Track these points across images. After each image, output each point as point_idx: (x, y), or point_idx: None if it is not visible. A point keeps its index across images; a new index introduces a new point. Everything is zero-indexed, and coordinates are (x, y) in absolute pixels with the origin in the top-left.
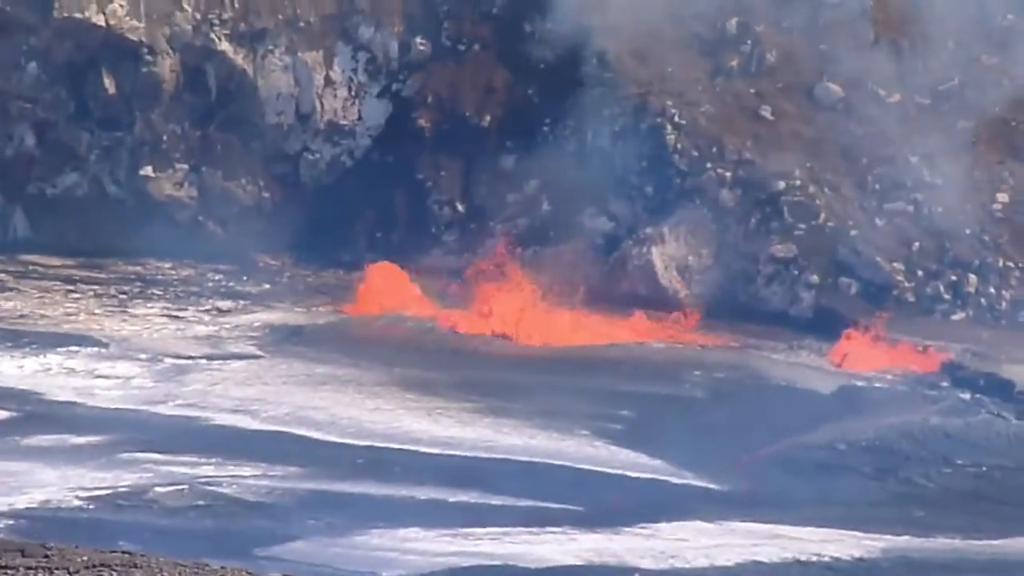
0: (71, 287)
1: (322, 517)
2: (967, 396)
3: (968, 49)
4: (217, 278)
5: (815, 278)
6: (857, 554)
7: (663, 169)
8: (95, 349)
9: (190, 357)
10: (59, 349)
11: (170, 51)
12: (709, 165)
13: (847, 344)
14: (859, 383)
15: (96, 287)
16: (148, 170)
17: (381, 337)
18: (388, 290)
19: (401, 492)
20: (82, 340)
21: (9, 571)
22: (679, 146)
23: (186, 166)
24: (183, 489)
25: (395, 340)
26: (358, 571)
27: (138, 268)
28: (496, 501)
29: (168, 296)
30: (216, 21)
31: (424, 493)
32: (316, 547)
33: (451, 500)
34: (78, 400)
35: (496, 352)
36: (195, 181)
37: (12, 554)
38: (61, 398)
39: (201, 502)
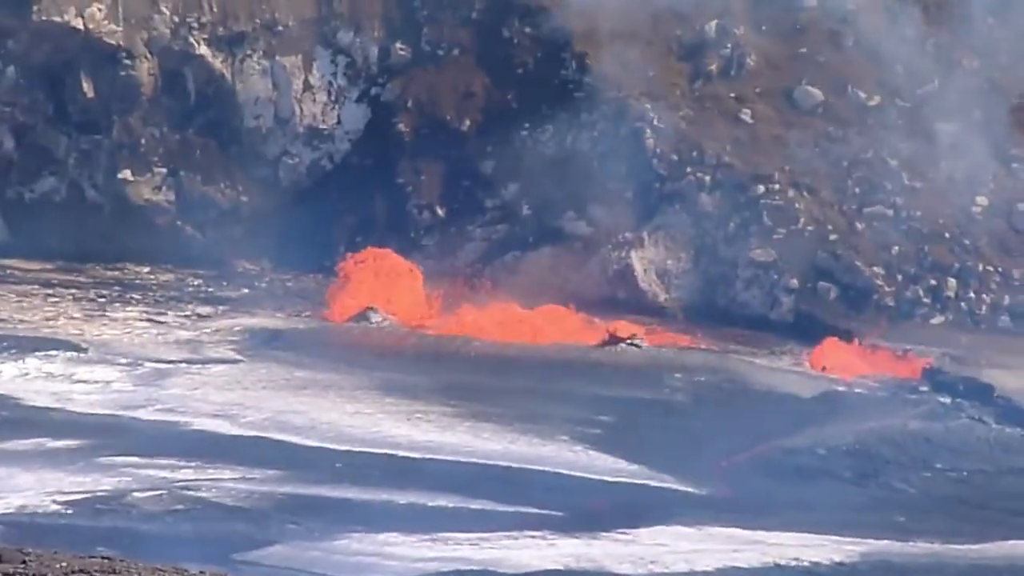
0: (50, 291)
1: (301, 521)
2: (947, 400)
3: (949, 52)
4: (196, 282)
5: (794, 282)
6: (837, 559)
7: (642, 173)
8: (74, 353)
9: (169, 361)
10: (38, 353)
11: (148, 55)
12: (688, 169)
13: (826, 349)
14: (839, 388)
15: (75, 291)
16: (126, 174)
17: (361, 341)
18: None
19: (380, 496)
20: (61, 344)
21: None
22: (658, 150)
23: (164, 170)
24: (162, 494)
25: (375, 344)
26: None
27: (117, 272)
28: (475, 506)
29: (147, 300)
30: (195, 25)
31: (403, 497)
32: (295, 551)
33: (430, 505)
34: (56, 405)
35: (477, 356)
36: (173, 185)
37: None
38: (39, 403)
39: (180, 507)
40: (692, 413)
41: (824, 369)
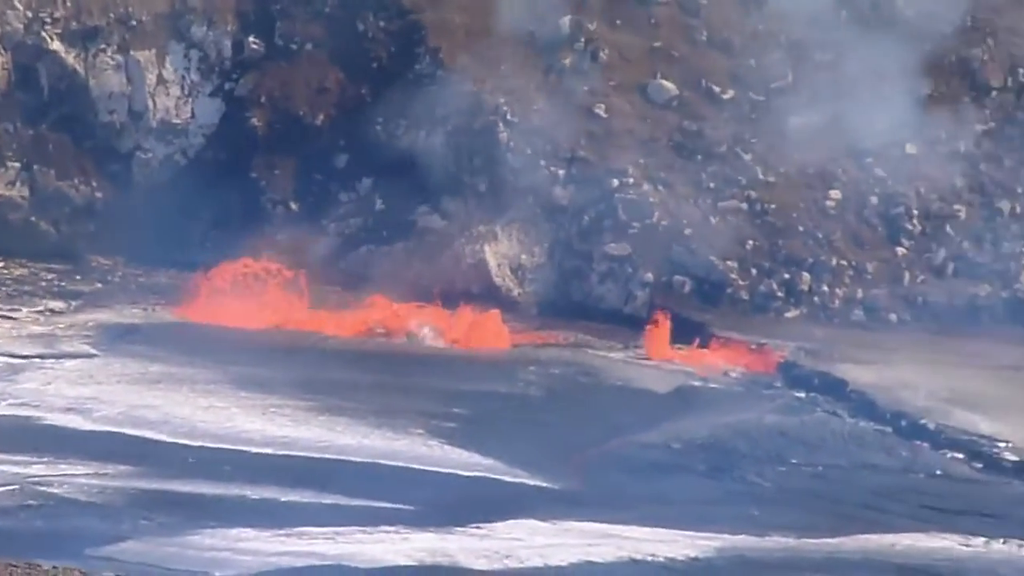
0: None
1: (154, 517)
2: (802, 395)
3: (801, 46)
4: (50, 277)
5: (649, 276)
6: (692, 553)
7: (496, 167)
8: None
9: (23, 356)
10: None
11: (1, 50)
12: (543, 163)
13: (656, 333)
14: (695, 382)
15: None
16: None
17: (217, 336)
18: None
19: (233, 491)
20: None
21: None
22: (512, 144)
23: (18, 164)
24: (14, 489)
25: (231, 339)
26: (190, 571)
27: None
28: (329, 500)
29: (0, 296)
30: (48, 20)
31: (256, 492)
32: (148, 547)
33: (283, 499)
34: None
35: (332, 351)
36: (27, 180)
37: None
38: None
39: (32, 502)
40: (547, 407)
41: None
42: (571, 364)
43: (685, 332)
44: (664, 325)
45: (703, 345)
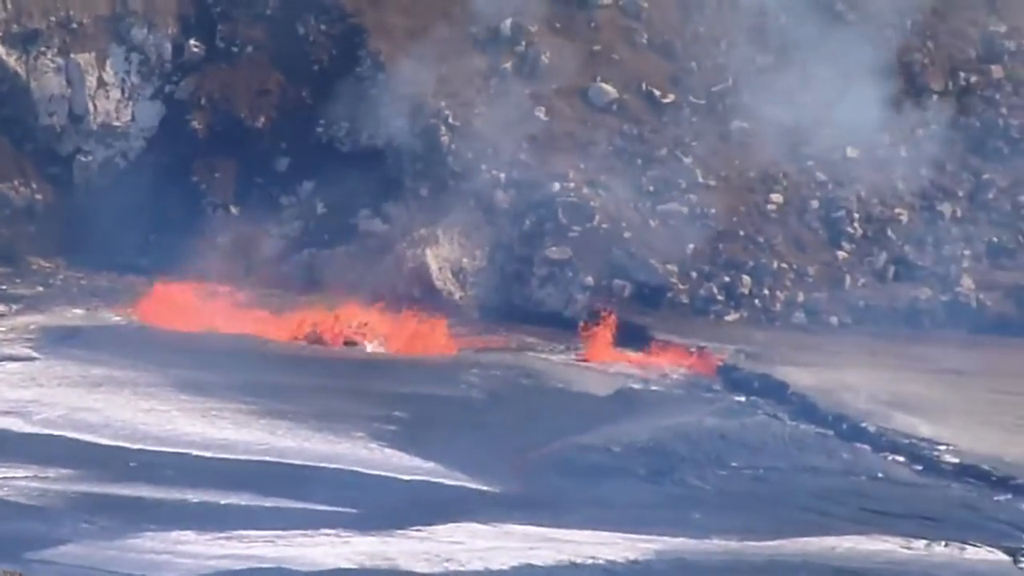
0: None
1: (94, 520)
2: (742, 398)
3: (742, 50)
4: None
5: (589, 280)
6: (632, 556)
7: (437, 170)
8: None
9: None
10: None
11: None
12: (484, 167)
13: (599, 335)
14: (635, 385)
15: None
16: None
17: (158, 339)
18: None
19: (174, 495)
20: None
21: None
22: (453, 147)
23: None
24: None
25: (173, 342)
26: (130, 574)
27: None
28: (269, 503)
29: None
30: None
31: (197, 496)
32: (88, 550)
33: (223, 503)
34: None
35: (273, 354)
36: None
37: None
38: None
39: None
40: (488, 410)
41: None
42: (513, 367)
43: (625, 335)
44: (608, 327)
45: (644, 348)
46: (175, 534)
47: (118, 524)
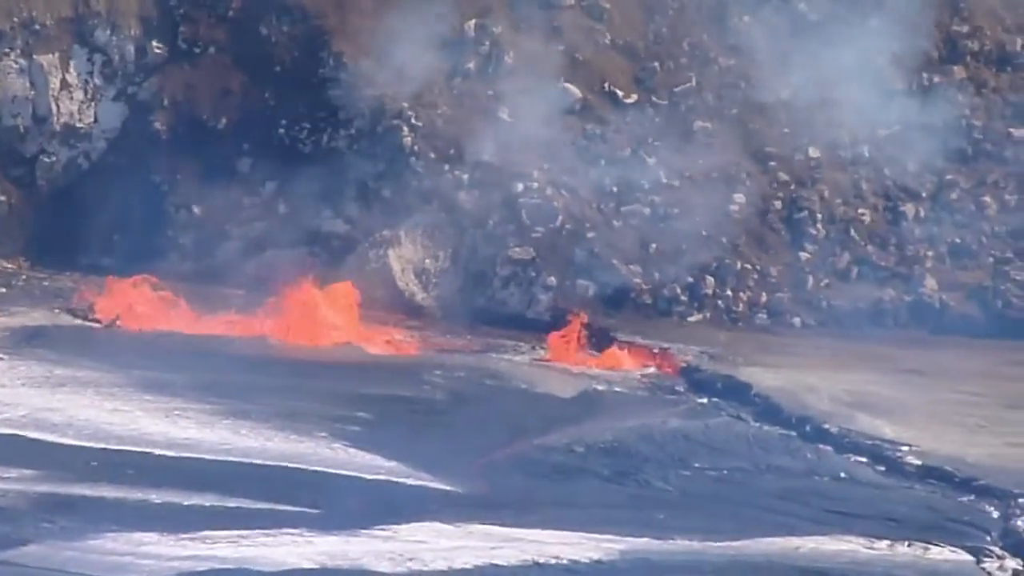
0: None
1: (56, 521)
2: (705, 399)
3: (705, 50)
4: None
5: (552, 280)
6: (596, 556)
7: (400, 171)
8: None
9: None
10: None
11: None
12: (447, 167)
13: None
14: (599, 386)
15: None
16: None
17: (123, 339)
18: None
19: (136, 495)
20: None
21: None
22: (416, 148)
23: None
24: None
25: (138, 342)
26: (93, 575)
27: None
28: (232, 504)
29: None
30: None
31: (159, 496)
32: (49, 551)
33: (185, 503)
34: None
35: (239, 354)
36: None
37: None
38: None
39: None
40: (451, 410)
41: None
42: (476, 368)
43: (588, 336)
44: (577, 329)
45: (606, 349)
46: (137, 535)
47: (79, 525)
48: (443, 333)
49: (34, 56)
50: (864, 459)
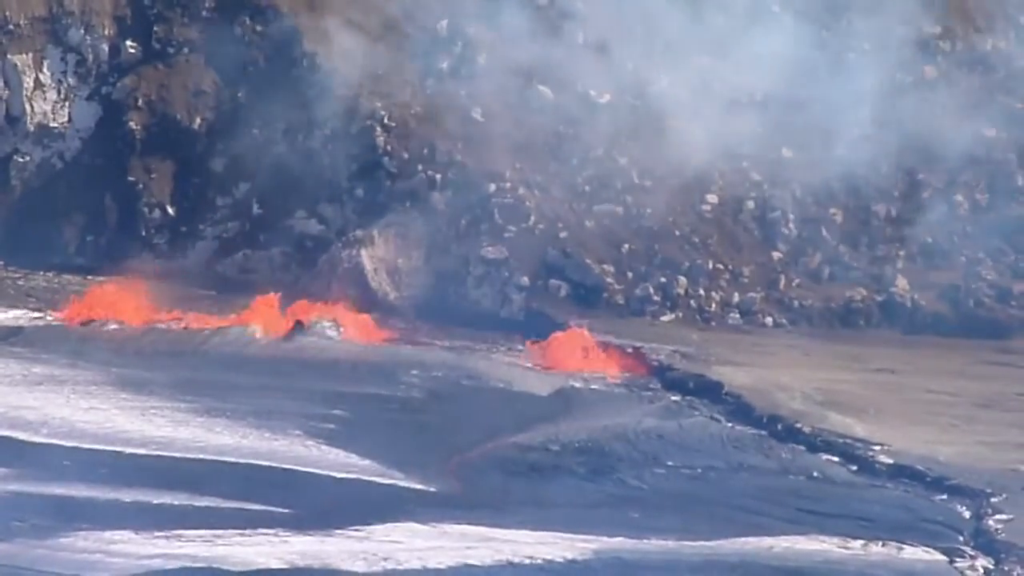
0: None
1: (27, 519)
2: (678, 398)
3: (679, 50)
4: None
5: (525, 280)
6: (570, 556)
7: (373, 171)
8: None
9: None
10: None
11: None
12: (420, 167)
13: (551, 345)
14: (575, 384)
15: None
16: None
17: (99, 337)
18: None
19: (108, 493)
20: None
21: None
22: (389, 148)
23: None
24: None
25: (114, 341)
26: (62, 573)
27: None
28: (205, 502)
29: None
30: None
31: (131, 495)
32: (20, 549)
33: (157, 502)
34: None
35: (212, 352)
36: None
37: None
38: None
39: None
40: (427, 409)
41: (550, 365)
42: (453, 367)
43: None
44: (573, 339)
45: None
46: (108, 533)
47: (50, 523)
48: (416, 332)
49: (8, 56)
50: (837, 458)
